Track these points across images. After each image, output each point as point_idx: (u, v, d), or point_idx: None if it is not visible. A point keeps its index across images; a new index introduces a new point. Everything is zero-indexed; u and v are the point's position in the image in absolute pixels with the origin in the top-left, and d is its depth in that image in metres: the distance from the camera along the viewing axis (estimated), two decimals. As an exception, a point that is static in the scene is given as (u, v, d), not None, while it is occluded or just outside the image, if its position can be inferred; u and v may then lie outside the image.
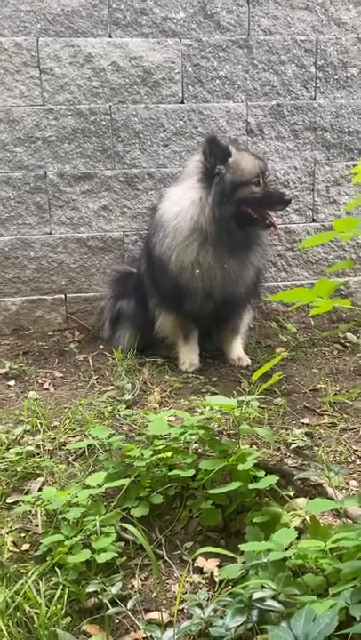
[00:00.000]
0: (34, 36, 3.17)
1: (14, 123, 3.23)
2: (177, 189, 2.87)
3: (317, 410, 2.40)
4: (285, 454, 2.00)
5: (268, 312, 3.58)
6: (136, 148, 3.34)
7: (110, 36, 3.22)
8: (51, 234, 3.36)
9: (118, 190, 3.37)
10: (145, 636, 1.29)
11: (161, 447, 1.73)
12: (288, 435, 2.14)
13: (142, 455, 1.71)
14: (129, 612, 1.33)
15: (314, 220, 3.58)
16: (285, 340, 3.30)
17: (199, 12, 3.26)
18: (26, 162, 3.27)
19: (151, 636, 1.25)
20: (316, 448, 2.04)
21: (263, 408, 2.38)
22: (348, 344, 3.22)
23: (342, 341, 3.27)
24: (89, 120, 3.28)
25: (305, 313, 3.61)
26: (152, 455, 1.71)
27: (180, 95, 3.33)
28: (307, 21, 3.35)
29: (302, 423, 2.28)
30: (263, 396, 2.47)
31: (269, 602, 1.12)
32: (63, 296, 3.43)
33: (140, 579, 1.49)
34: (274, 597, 1.14)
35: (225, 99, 3.37)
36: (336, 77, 3.42)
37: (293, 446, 2.04)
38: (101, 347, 3.22)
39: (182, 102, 3.34)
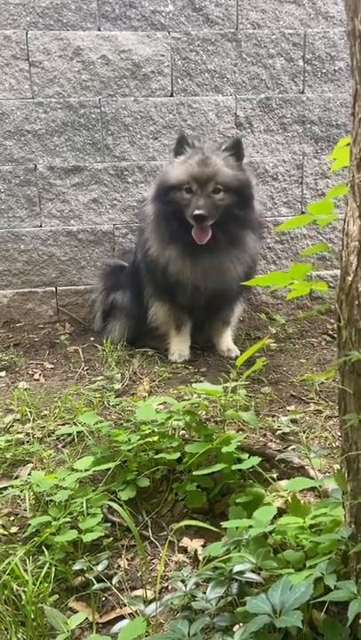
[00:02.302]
0: (23, 29, 3.19)
1: (4, 116, 3.24)
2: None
3: (304, 398, 2.44)
4: (271, 440, 2.04)
5: (257, 304, 3.61)
6: (126, 141, 3.36)
7: (99, 30, 3.24)
8: (41, 227, 3.38)
9: (108, 183, 3.39)
10: (130, 611, 1.32)
11: (148, 432, 1.76)
12: (274, 421, 2.17)
13: (129, 440, 1.74)
14: (115, 589, 1.36)
15: (303, 213, 3.62)
16: (275, 331, 3.34)
17: (188, 6, 3.28)
18: (16, 155, 3.28)
19: (136, 611, 1.28)
20: (301, 434, 2.08)
21: (250, 396, 2.41)
22: (335, 335, 3.26)
23: (330, 332, 3.32)
24: (79, 113, 3.30)
25: (294, 305, 3.65)
26: (139, 440, 1.74)
27: (170, 88, 3.35)
28: (295, 15, 3.38)
29: (288, 410, 2.31)
30: (251, 385, 2.51)
31: (249, 574, 1.15)
32: (54, 289, 3.45)
33: (127, 559, 1.52)
34: (253, 571, 1.17)
35: (214, 92, 3.40)
36: (324, 71, 3.46)
37: (279, 432, 2.08)
38: (92, 339, 3.25)
39: (171, 95, 3.36)
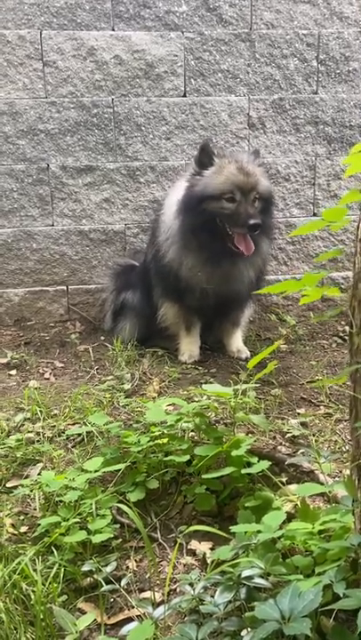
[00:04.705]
0: (37, 29, 3.20)
1: (17, 115, 3.25)
2: (178, 183, 2.91)
3: (314, 401, 2.43)
4: (281, 443, 2.03)
5: (268, 305, 3.61)
6: (138, 141, 3.36)
7: (113, 30, 3.25)
8: (53, 226, 3.40)
9: (120, 183, 3.39)
10: (138, 613, 1.33)
11: (157, 434, 1.76)
12: (284, 424, 2.17)
13: (139, 441, 1.75)
14: (123, 591, 1.37)
15: (315, 214, 3.60)
16: (285, 332, 3.33)
17: (202, 6, 3.28)
18: (29, 154, 3.30)
19: (144, 613, 1.29)
20: (311, 437, 2.07)
21: (260, 399, 2.41)
22: (346, 337, 3.25)
23: (341, 334, 3.30)
24: (91, 113, 3.30)
25: (304, 306, 3.64)
26: (148, 441, 1.75)
27: (183, 88, 3.35)
28: (309, 15, 3.36)
29: (298, 413, 2.31)
30: (261, 387, 2.51)
31: (257, 579, 1.15)
32: (65, 288, 3.47)
33: (135, 560, 1.53)
34: (262, 576, 1.17)
35: (227, 92, 3.39)
36: (338, 71, 3.43)
37: (289, 435, 2.07)
38: (102, 338, 3.26)
39: (184, 96, 3.36)
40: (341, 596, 1.03)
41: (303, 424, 2.18)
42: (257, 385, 2.43)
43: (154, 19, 3.26)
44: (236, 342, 3.05)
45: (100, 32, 3.24)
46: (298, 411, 2.34)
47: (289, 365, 2.88)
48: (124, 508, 1.47)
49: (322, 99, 3.45)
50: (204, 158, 2.71)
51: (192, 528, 1.40)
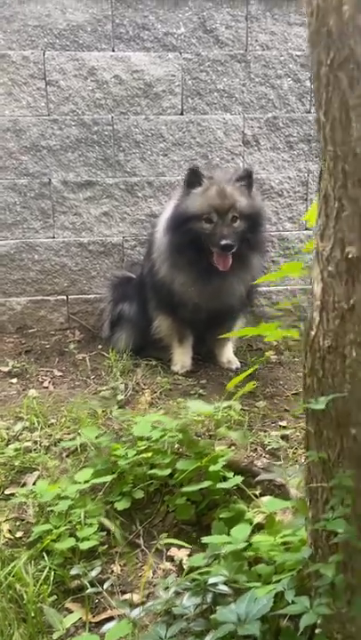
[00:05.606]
0: (41, 50, 3.33)
1: (21, 132, 3.40)
2: (171, 201, 3.05)
3: (297, 414, 2.57)
4: (261, 455, 2.18)
5: (260, 316, 3.74)
6: (136, 157, 3.50)
7: (113, 50, 3.38)
8: (54, 238, 3.54)
9: (119, 197, 3.53)
10: (119, 613, 1.48)
11: (143, 448, 1.92)
12: (266, 437, 2.31)
13: (126, 454, 1.90)
14: (105, 593, 1.52)
15: (307, 229, 3.73)
16: (275, 343, 3.46)
17: (199, 28, 3.40)
18: (31, 169, 3.44)
19: (124, 613, 1.44)
20: (289, 450, 2.22)
21: (246, 410, 2.55)
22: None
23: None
24: (92, 130, 3.44)
25: (295, 317, 3.77)
26: (135, 455, 1.90)
27: (180, 107, 3.48)
28: (303, 37, 3.48)
29: (280, 426, 2.45)
30: (247, 399, 2.65)
31: (221, 586, 1.30)
32: (65, 297, 3.62)
33: (120, 565, 1.68)
34: (226, 583, 1.32)
35: (223, 111, 3.52)
36: (330, 91, 3.55)
37: (269, 448, 2.22)
38: (100, 346, 3.41)
39: (181, 114, 3.49)
40: (290, 602, 1.18)
41: (284, 437, 2.32)
42: (243, 397, 2.57)
43: (153, 40, 3.38)
44: (227, 353, 3.19)
45: (100, 53, 3.37)
46: (280, 423, 2.48)
47: (276, 377, 3.02)
48: (105, 521, 1.62)
49: (315, 117, 3.56)
50: (193, 179, 2.85)
51: (165, 541, 1.55)
